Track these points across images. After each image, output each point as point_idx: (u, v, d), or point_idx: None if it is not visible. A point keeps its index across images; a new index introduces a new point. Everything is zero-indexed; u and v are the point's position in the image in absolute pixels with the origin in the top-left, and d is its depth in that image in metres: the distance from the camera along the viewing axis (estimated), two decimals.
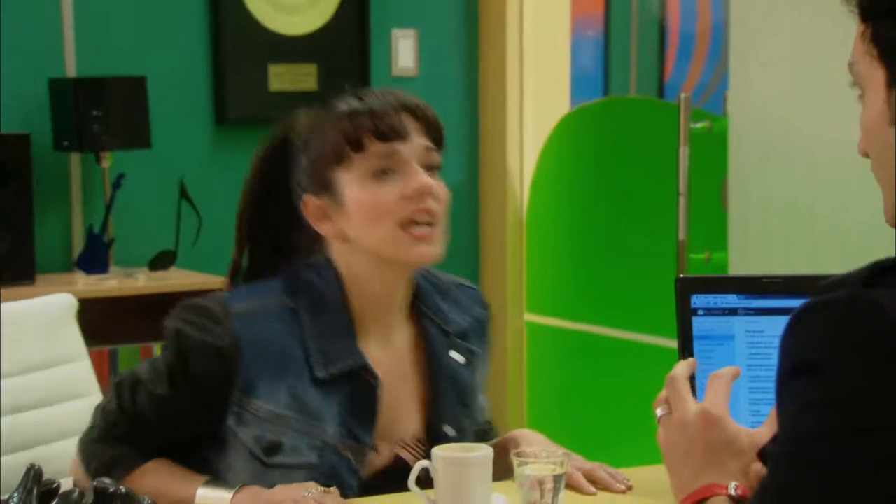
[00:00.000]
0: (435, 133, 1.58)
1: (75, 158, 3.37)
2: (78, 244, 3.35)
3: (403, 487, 1.47)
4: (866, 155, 1.02)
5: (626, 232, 3.35)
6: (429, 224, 1.54)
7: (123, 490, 1.21)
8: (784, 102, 2.77)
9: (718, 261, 2.98)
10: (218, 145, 3.59)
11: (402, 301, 1.62)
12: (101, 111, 3.18)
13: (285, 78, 3.64)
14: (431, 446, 1.56)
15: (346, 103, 1.57)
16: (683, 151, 2.89)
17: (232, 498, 1.50)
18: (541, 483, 1.40)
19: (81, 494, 1.19)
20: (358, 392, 1.55)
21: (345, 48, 3.68)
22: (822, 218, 2.71)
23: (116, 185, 3.28)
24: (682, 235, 2.91)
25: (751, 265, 2.82)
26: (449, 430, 1.62)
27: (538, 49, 3.80)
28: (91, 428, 1.61)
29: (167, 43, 3.50)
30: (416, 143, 1.55)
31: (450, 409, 1.63)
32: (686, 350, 1.54)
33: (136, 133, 3.26)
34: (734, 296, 1.54)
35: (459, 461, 1.42)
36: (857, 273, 0.92)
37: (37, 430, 1.81)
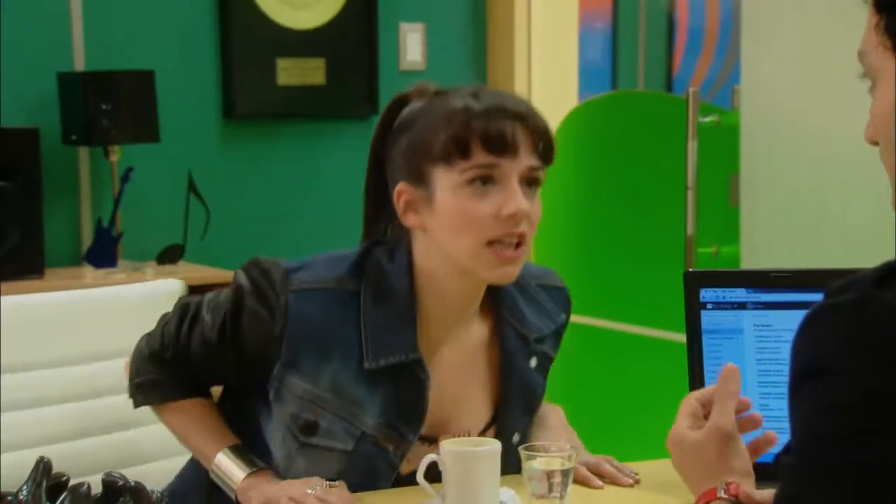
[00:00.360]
0: (544, 148, 1.51)
1: (84, 152, 3.37)
2: (86, 238, 3.36)
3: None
4: (874, 143, 1.01)
5: (634, 226, 3.35)
6: (517, 245, 1.49)
7: (133, 483, 1.21)
8: (795, 97, 2.76)
9: (726, 255, 2.97)
10: (226, 139, 3.59)
11: (474, 307, 1.57)
12: (109, 105, 3.18)
13: (293, 72, 3.64)
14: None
15: (462, 98, 1.50)
16: (692, 146, 2.88)
17: (243, 481, 1.50)
18: (549, 477, 1.40)
19: (90, 488, 1.19)
20: (406, 386, 1.52)
21: (353, 42, 3.68)
22: (832, 212, 2.71)
23: (125, 179, 3.29)
24: (690, 230, 2.91)
25: (760, 259, 2.81)
26: (515, 439, 1.59)
27: (546, 42, 3.80)
28: (149, 337, 1.62)
29: (175, 37, 3.50)
30: (522, 160, 1.48)
31: (518, 419, 1.60)
32: (695, 344, 1.54)
33: (144, 127, 3.26)
34: (743, 290, 1.54)
35: (467, 455, 1.41)
36: (868, 274, 0.91)
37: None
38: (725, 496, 1.13)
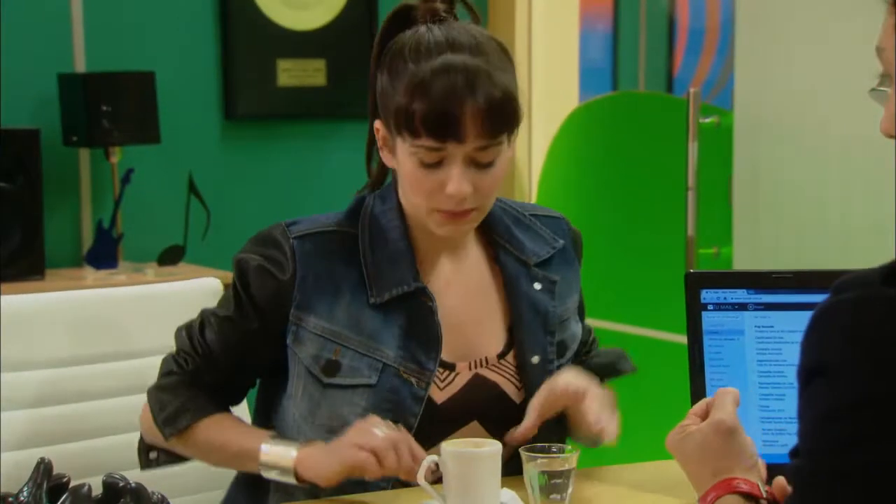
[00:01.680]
0: (497, 122, 1.49)
1: (84, 154, 3.37)
2: (87, 239, 3.36)
3: (485, 407, 1.51)
4: (891, 136, 1.01)
5: (635, 227, 3.35)
6: (463, 213, 1.52)
7: (133, 484, 1.20)
8: (790, 97, 2.76)
9: (727, 256, 2.97)
10: (226, 140, 3.59)
11: (468, 233, 1.60)
12: (110, 106, 3.18)
13: (294, 73, 3.64)
14: (521, 375, 1.57)
15: (427, 65, 1.48)
16: (692, 147, 2.88)
17: (297, 454, 1.49)
18: (550, 477, 1.39)
19: (90, 489, 1.19)
20: (415, 315, 1.54)
21: (353, 43, 3.68)
22: (827, 212, 2.71)
23: (125, 181, 3.29)
24: (690, 231, 2.91)
25: (758, 260, 2.81)
26: (535, 360, 1.59)
27: (547, 44, 3.80)
28: (161, 376, 1.61)
29: (176, 38, 3.50)
30: (468, 143, 1.48)
31: (536, 340, 1.60)
32: (696, 345, 1.54)
33: (145, 128, 3.26)
34: (744, 291, 1.54)
35: (468, 456, 1.41)
36: (875, 272, 0.90)
37: None
38: (743, 489, 1.12)
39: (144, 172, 3.38)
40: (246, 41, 3.56)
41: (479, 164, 1.50)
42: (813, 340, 0.91)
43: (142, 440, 1.64)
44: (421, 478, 1.42)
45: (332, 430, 1.51)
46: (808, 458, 0.90)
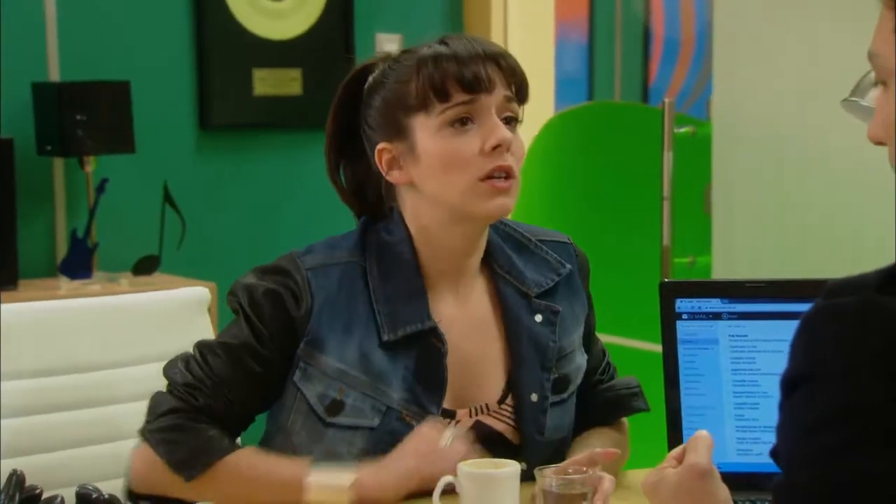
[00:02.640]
0: (518, 84, 1.51)
1: (59, 163, 3.35)
2: (61, 249, 3.34)
3: (482, 452, 1.43)
4: (880, 143, 0.99)
5: (610, 236, 3.36)
6: (507, 177, 1.49)
7: (106, 496, 1.20)
8: (768, 107, 2.78)
9: (702, 265, 2.98)
10: (202, 150, 3.58)
11: (476, 258, 1.56)
12: (84, 116, 3.17)
13: (270, 82, 3.63)
14: (517, 414, 1.54)
15: (430, 48, 1.51)
16: (667, 156, 2.89)
17: (352, 475, 1.43)
18: (566, 500, 1.35)
19: (63, 501, 1.18)
20: (424, 356, 1.50)
21: (329, 52, 3.68)
22: (806, 222, 2.72)
23: (100, 190, 3.27)
24: (666, 240, 2.92)
25: (735, 269, 2.83)
26: (533, 398, 1.55)
27: (522, 53, 3.80)
28: (156, 418, 1.49)
29: (151, 47, 3.49)
30: (497, 93, 1.49)
31: (534, 376, 1.56)
32: (671, 354, 1.54)
33: (119, 138, 3.25)
34: (718, 300, 1.55)
35: (486, 478, 1.36)
36: (869, 277, 0.87)
37: None
38: None
39: (119, 182, 3.37)
40: (221, 50, 3.55)
41: (508, 122, 1.50)
42: (800, 346, 0.88)
43: (130, 493, 1.51)
44: (437, 499, 1.38)
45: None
46: (790, 472, 0.87)
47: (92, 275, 3.24)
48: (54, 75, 3.33)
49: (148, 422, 1.51)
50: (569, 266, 1.62)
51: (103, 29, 3.41)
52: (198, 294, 1.88)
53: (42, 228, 3.34)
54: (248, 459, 1.49)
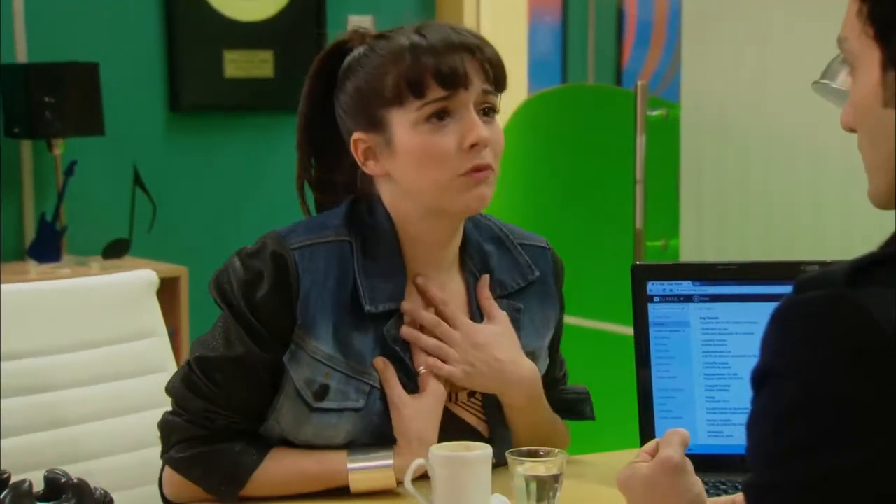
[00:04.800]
0: (496, 75, 1.49)
1: (26, 145, 3.32)
2: (30, 232, 3.31)
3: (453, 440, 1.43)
4: (851, 129, 0.99)
5: (583, 219, 3.36)
6: (485, 169, 1.48)
7: (75, 480, 1.19)
8: (736, 91, 2.78)
9: (675, 248, 2.99)
10: (172, 132, 3.56)
11: (453, 250, 1.55)
12: (52, 98, 3.13)
13: (240, 64, 3.61)
14: (484, 407, 1.54)
15: (407, 37, 1.47)
16: (640, 139, 2.89)
17: (393, 456, 1.46)
18: (537, 482, 1.35)
19: (31, 485, 1.17)
20: (395, 338, 1.50)
21: (301, 34, 3.66)
22: (774, 205, 2.73)
23: (69, 173, 3.24)
24: (638, 223, 2.92)
25: (705, 252, 2.84)
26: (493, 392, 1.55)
27: (495, 35, 3.78)
28: (178, 446, 1.50)
29: (120, 28, 3.45)
30: (475, 88, 1.47)
31: None
32: (642, 337, 1.55)
33: (88, 120, 3.22)
34: (689, 283, 1.55)
35: (457, 460, 1.36)
36: (838, 271, 0.86)
37: (115, 402, 1.79)
38: None
39: (88, 165, 3.34)
40: (192, 32, 3.52)
41: (487, 114, 1.48)
42: (769, 341, 0.87)
43: (167, 501, 1.54)
44: (408, 482, 1.38)
45: (313, 446, 1.49)
46: (761, 470, 0.86)
47: (61, 258, 3.22)
48: (21, 57, 3.30)
49: (166, 448, 1.51)
50: (538, 272, 1.61)
51: (71, 9, 3.37)
52: (144, 277, 1.85)
53: (10, 212, 3.31)
54: (282, 462, 1.49)
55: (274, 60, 3.63)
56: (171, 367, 1.85)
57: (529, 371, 1.55)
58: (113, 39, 3.43)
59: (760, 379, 0.88)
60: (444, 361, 1.51)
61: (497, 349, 1.52)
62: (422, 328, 1.52)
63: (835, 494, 0.83)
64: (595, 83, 5.14)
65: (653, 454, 1.19)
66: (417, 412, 1.48)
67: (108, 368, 1.81)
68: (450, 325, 1.53)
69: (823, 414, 0.83)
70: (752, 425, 0.88)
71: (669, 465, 1.15)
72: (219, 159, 3.61)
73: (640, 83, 2.92)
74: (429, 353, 1.51)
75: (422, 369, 1.51)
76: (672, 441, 1.17)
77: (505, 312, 1.56)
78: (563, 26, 5.35)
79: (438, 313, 1.53)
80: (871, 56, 0.94)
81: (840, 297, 0.84)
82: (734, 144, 2.80)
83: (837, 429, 0.83)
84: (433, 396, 1.50)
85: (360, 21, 3.75)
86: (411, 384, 1.51)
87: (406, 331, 1.51)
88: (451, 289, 1.56)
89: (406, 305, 1.52)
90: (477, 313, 1.56)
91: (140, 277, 1.86)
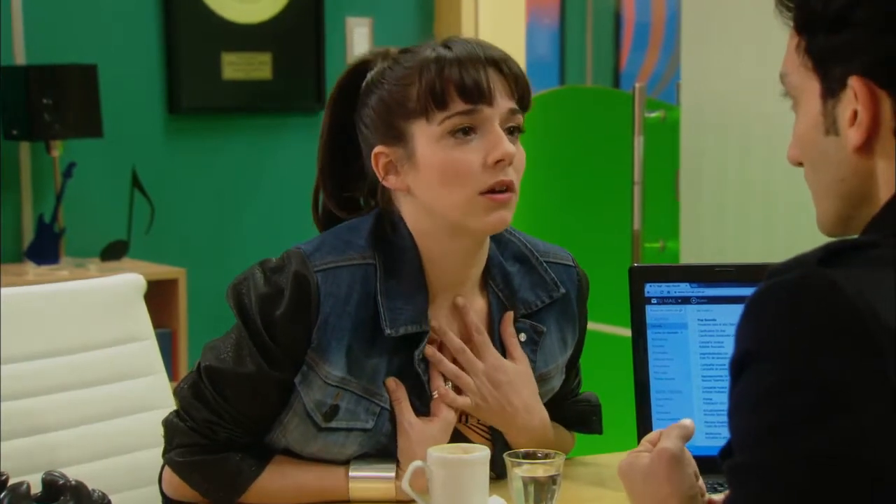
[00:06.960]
0: (521, 93, 1.47)
1: (25, 147, 3.32)
2: (28, 234, 3.31)
3: None
4: (798, 164, 1.02)
5: (581, 221, 3.36)
6: (506, 190, 1.45)
7: (73, 482, 1.19)
8: (736, 91, 2.79)
9: (673, 250, 3.00)
10: (170, 134, 3.56)
11: (477, 270, 1.52)
12: (51, 99, 3.14)
13: (239, 66, 3.61)
14: (491, 429, 1.52)
15: (433, 50, 1.45)
16: (638, 141, 2.90)
17: (395, 467, 1.46)
18: (535, 483, 1.36)
19: (29, 487, 1.17)
20: (414, 361, 1.48)
21: (299, 36, 3.66)
22: (774, 206, 2.74)
23: (67, 175, 3.25)
24: (636, 225, 2.93)
25: (702, 254, 2.84)
26: None
27: (493, 37, 3.79)
28: (179, 449, 1.49)
29: (119, 31, 3.46)
30: (500, 105, 1.45)
31: None
32: (640, 338, 1.55)
33: (87, 122, 3.22)
34: (687, 284, 1.55)
35: (456, 462, 1.36)
36: (811, 254, 0.87)
37: (103, 406, 1.78)
38: None
39: (87, 166, 3.34)
40: (190, 34, 3.52)
41: (511, 133, 1.47)
42: (747, 327, 0.88)
43: (166, 498, 1.54)
44: (405, 484, 1.38)
45: (321, 461, 1.49)
46: (744, 452, 0.87)
47: (60, 260, 3.22)
48: (20, 59, 3.30)
49: (168, 448, 1.51)
50: (563, 290, 1.58)
51: (70, 11, 3.38)
52: (132, 281, 1.84)
53: (9, 214, 3.31)
54: (282, 471, 1.49)
55: (272, 62, 3.64)
56: (160, 371, 1.83)
57: (539, 421, 1.53)
58: (111, 41, 3.43)
59: (738, 367, 0.88)
60: (460, 390, 1.50)
61: (513, 394, 1.51)
62: (443, 348, 1.50)
63: (818, 471, 0.83)
64: (593, 85, 5.15)
65: (655, 444, 1.19)
66: (424, 437, 1.46)
67: (92, 373, 1.79)
68: (477, 354, 1.51)
69: (803, 391, 0.83)
70: (734, 410, 0.89)
71: (665, 457, 1.15)
72: (217, 161, 3.61)
73: (637, 85, 2.93)
74: (447, 379, 1.50)
75: (435, 394, 1.49)
76: (671, 433, 1.18)
77: (525, 354, 1.54)
78: (561, 28, 5.36)
79: (467, 338, 1.51)
80: (811, 88, 0.97)
81: (812, 276, 0.85)
82: (734, 145, 2.80)
83: (818, 406, 0.83)
84: (442, 424, 1.48)
85: (359, 23, 3.76)
86: (423, 407, 1.49)
87: (430, 351, 1.49)
88: (473, 309, 1.53)
89: (435, 324, 1.50)
90: (497, 337, 1.54)
91: (127, 281, 1.84)
